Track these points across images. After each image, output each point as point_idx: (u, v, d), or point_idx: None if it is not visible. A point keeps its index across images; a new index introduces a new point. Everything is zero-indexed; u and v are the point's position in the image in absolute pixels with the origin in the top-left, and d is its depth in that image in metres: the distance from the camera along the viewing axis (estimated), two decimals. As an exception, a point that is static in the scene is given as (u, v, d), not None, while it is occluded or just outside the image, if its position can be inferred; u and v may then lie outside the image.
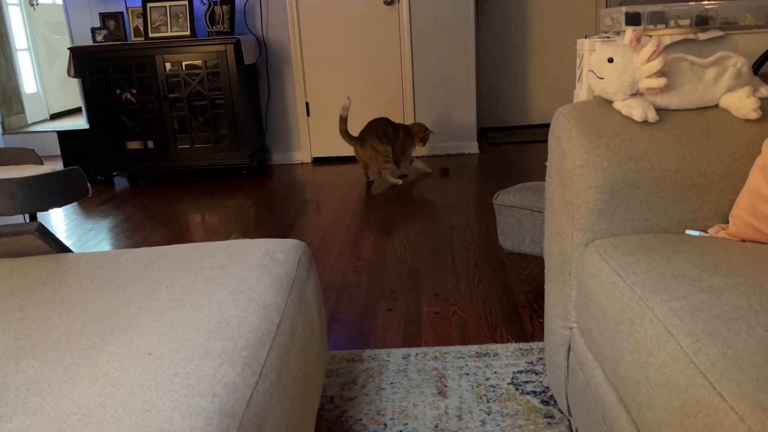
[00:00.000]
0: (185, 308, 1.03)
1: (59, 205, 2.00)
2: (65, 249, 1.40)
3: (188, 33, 4.03)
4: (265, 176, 4.15)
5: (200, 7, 4.13)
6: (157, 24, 4.06)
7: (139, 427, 0.73)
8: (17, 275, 1.23)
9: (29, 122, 6.12)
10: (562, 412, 1.46)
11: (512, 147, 4.53)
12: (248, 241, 1.35)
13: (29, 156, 2.28)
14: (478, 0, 4.90)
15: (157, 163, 4.08)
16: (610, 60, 1.22)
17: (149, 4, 4.04)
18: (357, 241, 2.75)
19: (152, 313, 1.03)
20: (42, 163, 2.28)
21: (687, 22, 1.92)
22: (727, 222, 1.20)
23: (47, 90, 6.51)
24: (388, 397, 1.56)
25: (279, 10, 4.23)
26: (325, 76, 4.35)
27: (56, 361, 0.89)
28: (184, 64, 3.94)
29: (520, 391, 1.56)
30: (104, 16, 4.18)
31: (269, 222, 3.13)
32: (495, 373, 1.64)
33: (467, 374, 1.64)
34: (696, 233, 1.20)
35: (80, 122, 5.84)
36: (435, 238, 2.73)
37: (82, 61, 3.97)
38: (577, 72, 2.31)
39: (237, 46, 3.88)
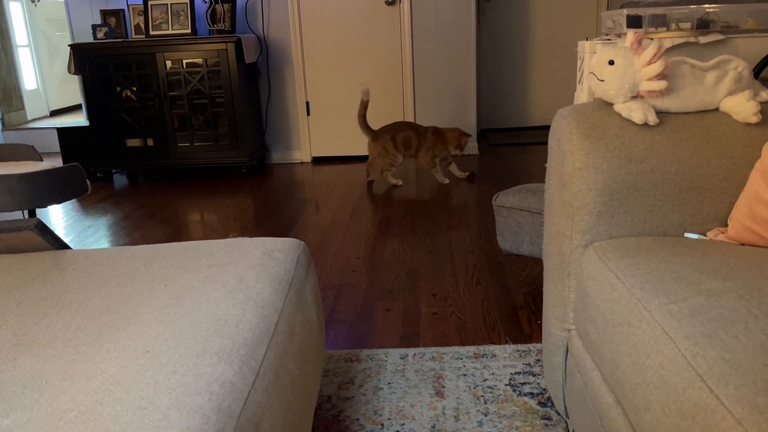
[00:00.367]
0: (183, 306, 1.03)
1: (58, 201, 2.00)
2: (64, 246, 1.40)
3: (189, 31, 4.03)
4: (265, 175, 4.15)
5: (201, 5, 4.13)
6: (158, 22, 4.06)
7: (136, 425, 0.73)
8: (15, 271, 1.23)
9: (29, 119, 6.12)
10: (559, 414, 1.46)
11: (512, 148, 4.54)
12: (247, 239, 1.35)
13: (29, 152, 2.28)
14: (479, 1, 4.90)
15: (157, 161, 4.08)
16: (611, 62, 1.22)
17: (150, 2, 4.04)
18: (356, 241, 2.75)
19: (150, 310, 1.02)
20: (41, 160, 2.28)
21: (688, 25, 1.93)
22: (726, 225, 1.21)
23: (47, 86, 6.51)
24: (385, 397, 1.56)
25: (280, 9, 4.23)
26: (326, 76, 4.35)
27: (54, 358, 0.89)
28: (184, 62, 3.94)
29: (518, 392, 1.56)
30: (105, 13, 4.18)
31: (268, 221, 3.13)
32: (492, 374, 1.64)
33: (465, 375, 1.64)
34: (695, 236, 1.20)
35: (80, 119, 5.83)
36: (434, 239, 2.73)
37: (83, 58, 3.96)
38: (578, 74, 2.31)
39: (238, 44, 3.88)
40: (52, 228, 3.00)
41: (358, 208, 3.26)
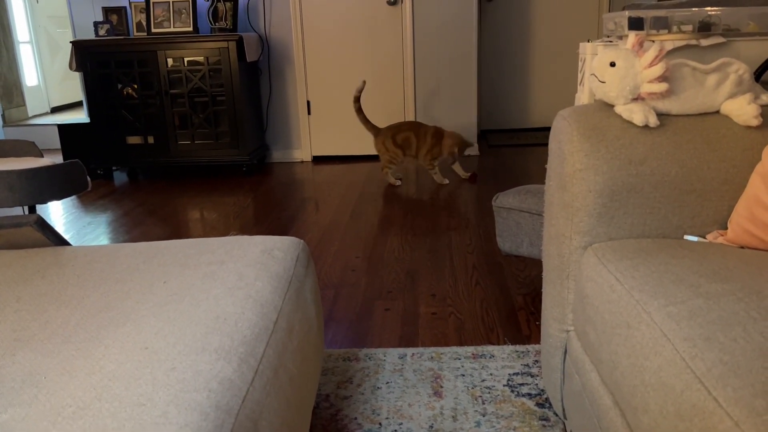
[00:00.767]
0: (183, 303, 1.03)
1: (58, 198, 2.00)
2: (64, 242, 1.40)
3: (191, 29, 4.03)
4: (265, 174, 4.15)
5: (203, 4, 4.13)
6: (159, 19, 4.06)
7: (135, 421, 0.73)
8: (15, 267, 1.23)
9: (30, 115, 6.12)
10: (557, 415, 1.46)
11: (512, 149, 4.54)
12: (247, 237, 1.35)
13: (29, 148, 2.28)
14: (481, 2, 4.90)
15: (157, 158, 4.08)
16: (612, 64, 1.22)
17: (152, 0, 4.04)
18: (355, 241, 2.75)
19: (150, 307, 1.02)
20: (42, 156, 2.28)
21: (690, 28, 1.93)
22: (726, 228, 1.21)
23: (48, 83, 6.51)
24: (383, 396, 1.56)
25: (282, 8, 4.23)
26: (327, 75, 4.35)
27: (52, 354, 0.89)
28: (186, 60, 3.94)
29: (516, 393, 1.56)
30: (107, 11, 4.18)
31: (268, 219, 3.13)
32: (491, 374, 1.64)
33: (463, 375, 1.64)
34: (694, 239, 1.20)
35: (81, 116, 5.83)
36: (433, 239, 2.73)
37: (84, 55, 3.96)
38: (579, 75, 2.31)
39: (239, 43, 3.88)
40: (51, 224, 3.00)
41: (358, 208, 3.26)
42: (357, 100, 3.64)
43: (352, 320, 2.00)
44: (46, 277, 1.17)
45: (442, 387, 1.59)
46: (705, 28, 1.92)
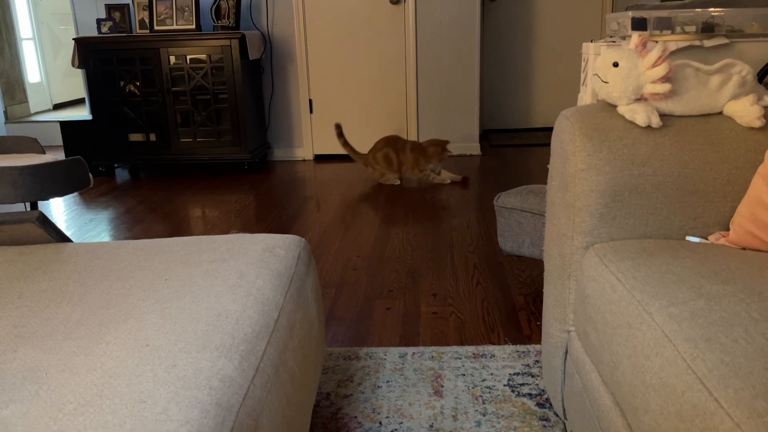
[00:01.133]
0: (184, 301, 1.03)
1: (60, 194, 2.00)
2: (65, 239, 1.40)
3: (193, 27, 4.03)
4: (267, 172, 4.15)
5: (206, 1, 4.13)
6: (162, 17, 4.06)
7: (135, 418, 0.73)
8: (17, 263, 1.23)
9: (32, 112, 6.12)
10: (557, 415, 1.46)
11: (514, 150, 4.53)
12: (248, 235, 1.35)
13: (31, 145, 2.28)
14: (484, 1, 4.90)
15: (159, 156, 4.08)
16: (615, 64, 1.22)
17: (155, -3, 4.04)
18: (356, 240, 2.75)
19: (151, 304, 1.03)
20: (44, 153, 2.29)
21: (693, 28, 1.92)
22: (728, 229, 1.20)
23: (51, 80, 6.52)
24: (383, 395, 1.56)
25: (285, 7, 4.23)
26: (329, 74, 4.35)
27: (54, 350, 0.89)
28: (188, 57, 3.94)
29: (516, 393, 1.56)
30: (110, 8, 4.18)
31: (269, 218, 3.13)
32: (491, 374, 1.64)
33: (463, 375, 1.64)
34: (696, 240, 1.20)
35: (83, 113, 5.84)
36: (434, 239, 2.73)
37: (87, 52, 3.97)
38: (582, 76, 2.31)
39: (242, 41, 3.88)
40: (53, 221, 3.00)
41: (360, 207, 3.26)
42: (340, 135, 3.73)
43: (353, 319, 2.00)
44: (47, 274, 1.17)
45: (442, 386, 1.59)
46: (708, 29, 1.92)
